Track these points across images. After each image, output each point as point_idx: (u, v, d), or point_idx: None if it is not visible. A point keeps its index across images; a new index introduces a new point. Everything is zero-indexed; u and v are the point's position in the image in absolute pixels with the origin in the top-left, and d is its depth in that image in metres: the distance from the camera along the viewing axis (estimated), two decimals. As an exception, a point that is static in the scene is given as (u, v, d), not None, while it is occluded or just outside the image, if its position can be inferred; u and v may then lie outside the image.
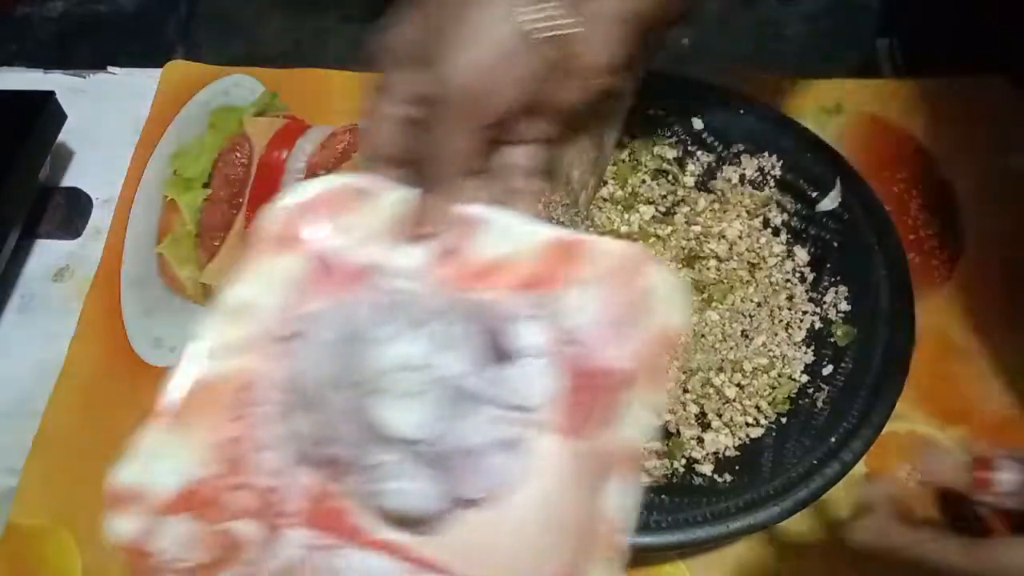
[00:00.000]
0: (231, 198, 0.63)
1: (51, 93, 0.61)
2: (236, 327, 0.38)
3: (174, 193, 0.63)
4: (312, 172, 0.64)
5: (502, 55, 0.36)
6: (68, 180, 0.65)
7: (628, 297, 0.38)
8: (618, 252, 0.38)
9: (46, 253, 0.61)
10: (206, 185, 0.63)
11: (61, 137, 0.63)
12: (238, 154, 0.65)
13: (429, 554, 0.35)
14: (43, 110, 0.60)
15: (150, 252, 0.60)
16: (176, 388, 0.37)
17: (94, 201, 0.64)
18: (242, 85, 0.69)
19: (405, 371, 0.35)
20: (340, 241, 0.40)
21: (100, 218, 0.62)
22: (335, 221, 0.40)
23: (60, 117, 0.62)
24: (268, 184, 0.63)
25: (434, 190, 0.38)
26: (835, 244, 0.55)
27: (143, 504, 0.34)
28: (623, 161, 0.60)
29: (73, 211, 0.63)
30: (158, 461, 0.35)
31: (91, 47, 0.73)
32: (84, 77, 0.70)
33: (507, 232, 0.39)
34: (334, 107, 0.67)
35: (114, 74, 0.71)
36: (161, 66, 0.70)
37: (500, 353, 0.37)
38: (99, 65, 0.71)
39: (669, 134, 0.61)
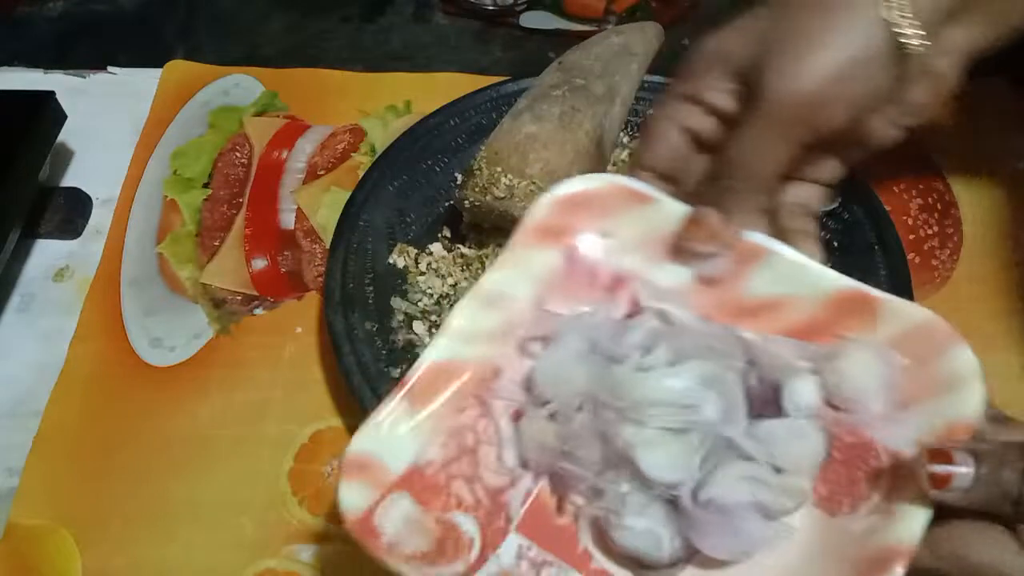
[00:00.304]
0: (231, 198, 0.63)
1: (51, 93, 0.61)
2: (488, 315, 0.37)
3: (174, 193, 0.63)
4: (312, 172, 0.64)
5: (857, 63, 0.32)
6: (68, 180, 0.65)
7: (923, 373, 0.34)
8: (920, 319, 0.34)
9: (46, 253, 0.61)
10: (206, 185, 0.64)
11: (61, 137, 0.63)
12: (238, 154, 0.65)
13: None
14: (43, 110, 0.60)
15: (150, 252, 0.60)
16: (422, 366, 0.36)
17: (94, 201, 0.63)
18: (242, 85, 0.69)
19: (667, 407, 0.33)
20: (603, 243, 0.38)
21: (100, 218, 0.62)
22: (602, 220, 0.38)
23: (60, 117, 0.62)
24: (268, 184, 0.63)
25: (728, 205, 0.35)
26: (835, 244, 0.55)
27: (374, 475, 0.33)
28: (623, 161, 0.60)
29: (73, 211, 0.63)
30: (392, 436, 0.35)
31: (91, 47, 0.73)
32: (84, 77, 0.70)
33: (791, 271, 0.36)
34: (334, 107, 0.67)
35: (114, 74, 0.71)
36: (161, 66, 0.70)
37: (767, 405, 0.35)
38: (99, 65, 0.71)
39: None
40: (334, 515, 0.49)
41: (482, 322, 0.37)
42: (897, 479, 0.32)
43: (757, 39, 0.33)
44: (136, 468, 0.51)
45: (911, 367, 0.34)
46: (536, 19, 0.74)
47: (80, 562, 0.48)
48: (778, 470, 0.33)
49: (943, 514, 0.30)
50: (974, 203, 0.61)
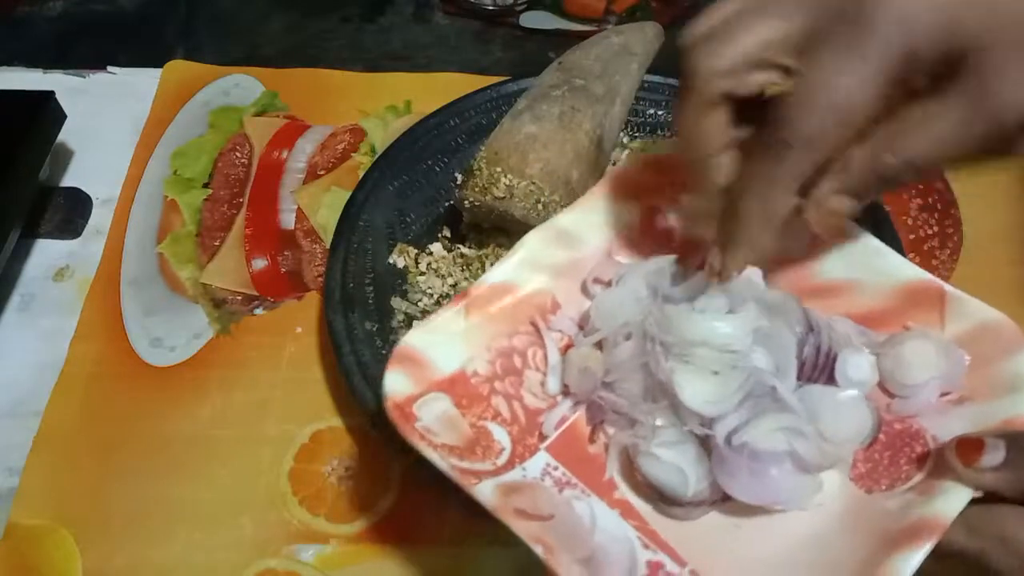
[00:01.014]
0: (231, 198, 0.63)
1: (51, 93, 0.61)
2: (557, 250, 0.38)
3: (174, 193, 0.63)
4: (312, 172, 0.64)
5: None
6: (68, 180, 0.65)
7: (985, 372, 0.34)
8: (988, 319, 0.35)
9: (46, 253, 0.61)
10: (206, 185, 0.64)
11: (61, 137, 0.63)
12: (238, 154, 0.65)
13: (665, 535, 0.34)
14: (43, 110, 0.60)
15: (150, 252, 0.60)
16: (485, 283, 0.37)
17: (94, 201, 0.63)
18: (242, 85, 0.69)
19: (715, 348, 0.34)
20: (678, 206, 0.39)
21: (100, 218, 0.62)
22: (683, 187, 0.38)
23: (60, 117, 0.62)
24: (268, 184, 0.63)
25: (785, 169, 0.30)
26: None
27: (420, 371, 0.35)
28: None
29: (73, 211, 0.63)
30: (446, 340, 0.36)
31: (91, 47, 0.73)
32: (84, 77, 0.70)
33: (866, 257, 0.37)
34: (334, 107, 0.67)
35: (114, 74, 0.71)
36: (161, 66, 0.70)
37: (819, 374, 0.36)
38: (99, 65, 0.71)
39: (669, 134, 0.61)
40: (334, 515, 0.49)
41: (551, 255, 0.38)
42: (939, 465, 0.33)
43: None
44: (136, 468, 0.51)
45: (974, 364, 0.35)
46: (536, 19, 0.74)
47: (80, 562, 0.48)
48: (822, 435, 0.34)
49: (984, 500, 0.31)
50: (974, 203, 0.61)
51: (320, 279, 0.58)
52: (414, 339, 0.36)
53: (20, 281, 0.59)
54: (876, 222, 0.54)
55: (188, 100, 0.68)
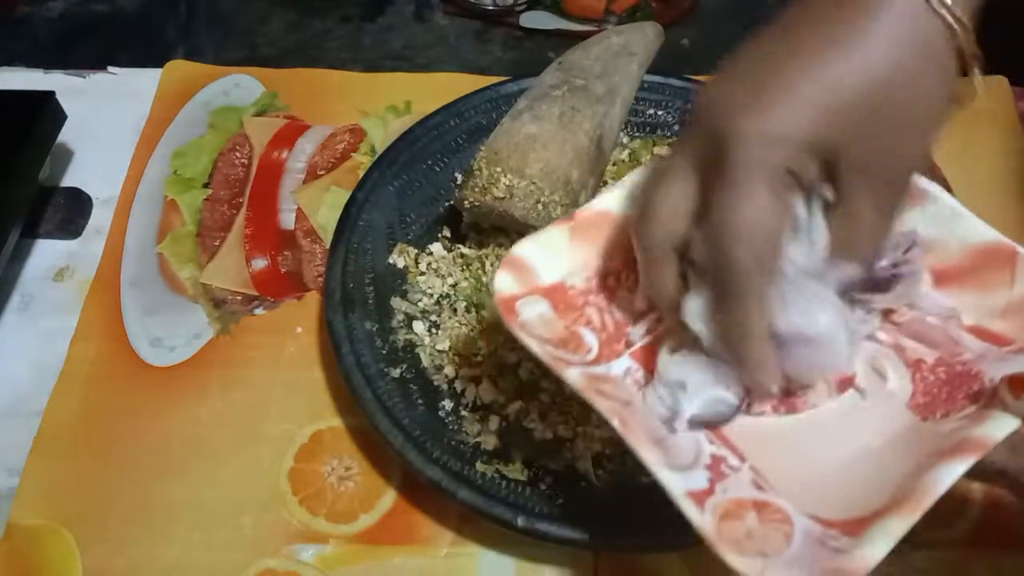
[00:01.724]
0: (231, 198, 0.63)
1: (51, 93, 0.61)
2: None
3: (174, 193, 0.63)
4: (312, 172, 0.64)
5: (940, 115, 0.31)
6: (68, 180, 0.65)
7: None
8: None
9: (46, 253, 0.61)
10: (206, 185, 0.64)
11: (61, 137, 0.63)
12: (238, 154, 0.65)
13: (727, 432, 0.38)
14: (43, 110, 0.60)
15: (150, 252, 0.60)
16: (593, 208, 0.41)
17: (94, 201, 0.63)
18: (242, 85, 0.69)
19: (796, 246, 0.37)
20: None
21: (100, 218, 0.62)
22: None
23: (60, 117, 0.62)
24: (268, 184, 0.63)
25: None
26: (835, 244, 0.55)
27: (525, 276, 0.40)
28: (623, 161, 0.60)
29: (73, 211, 0.63)
30: (550, 254, 0.41)
31: (91, 47, 0.73)
32: (84, 77, 0.70)
33: (944, 215, 0.41)
34: (334, 107, 0.67)
35: (114, 74, 0.71)
36: (161, 66, 0.70)
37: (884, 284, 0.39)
38: (99, 65, 0.71)
39: (669, 134, 0.61)
40: (334, 515, 0.49)
41: None
42: (991, 398, 0.36)
43: (841, 105, 0.29)
44: (136, 468, 0.51)
45: None
46: (536, 19, 0.74)
47: (80, 562, 0.48)
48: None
49: None
50: (974, 203, 0.61)
51: (320, 279, 0.58)
52: (523, 250, 0.40)
53: (20, 281, 0.59)
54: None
55: (188, 100, 0.68)
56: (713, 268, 0.32)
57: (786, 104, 0.28)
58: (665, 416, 0.38)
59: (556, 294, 0.40)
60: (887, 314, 0.40)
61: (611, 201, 0.41)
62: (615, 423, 0.34)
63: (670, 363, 0.39)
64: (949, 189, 0.62)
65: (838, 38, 0.27)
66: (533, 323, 0.39)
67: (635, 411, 0.37)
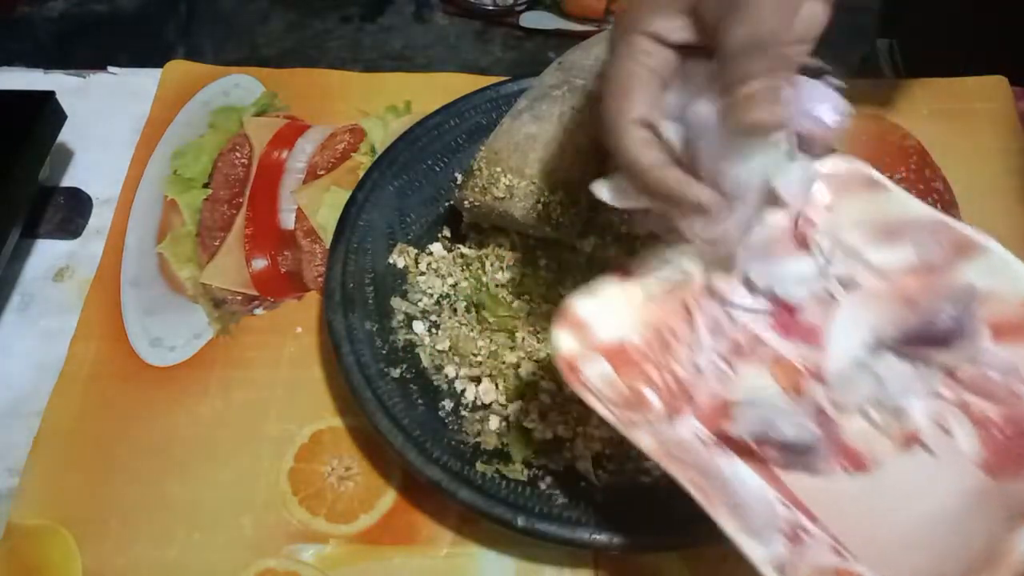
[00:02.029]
0: (231, 198, 0.63)
1: (51, 93, 0.61)
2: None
3: (174, 193, 0.63)
4: (312, 172, 0.64)
5: None
6: (68, 180, 0.65)
7: None
8: None
9: (46, 253, 0.61)
10: (206, 185, 0.64)
11: (61, 137, 0.63)
12: (238, 154, 0.65)
13: (798, 489, 0.37)
14: (43, 110, 0.60)
15: (150, 252, 0.60)
16: (644, 261, 0.41)
17: (94, 201, 0.63)
18: (242, 85, 0.69)
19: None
20: (827, 218, 0.43)
21: (100, 218, 0.62)
22: (836, 199, 0.42)
23: (60, 117, 0.62)
24: (268, 184, 0.63)
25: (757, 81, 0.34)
26: (835, 244, 0.55)
27: (584, 335, 0.39)
28: (623, 161, 0.60)
29: (73, 211, 0.63)
30: (608, 311, 0.40)
31: (91, 47, 0.73)
32: (84, 77, 0.70)
33: (1000, 266, 0.40)
34: (334, 107, 0.67)
35: (114, 74, 0.71)
36: (161, 66, 0.70)
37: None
38: (99, 65, 0.71)
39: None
40: (334, 515, 0.49)
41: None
42: None
43: None
44: (136, 468, 0.51)
45: None
46: (536, 19, 0.74)
47: (80, 562, 0.48)
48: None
49: None
50: (974, 203, 0.61)
51: (320, 279, 0.58)
52: (579, 307, 0.40)
53: (20, 281, 0.59)
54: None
55: (188, 100, 0.68)
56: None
57: None
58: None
59: (615, 352, 0.40)
60: (949, 370, 0.40)
61: (663, 254, 0.41)
62: (693, 491, 0.34)
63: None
64: (949, 190, 0.62)
65: None
66: (596, 384, 0.38)
67: (706, 475, 0.37)
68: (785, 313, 0.42)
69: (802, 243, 0.43)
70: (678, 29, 0.36)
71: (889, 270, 0.42)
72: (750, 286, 0.42)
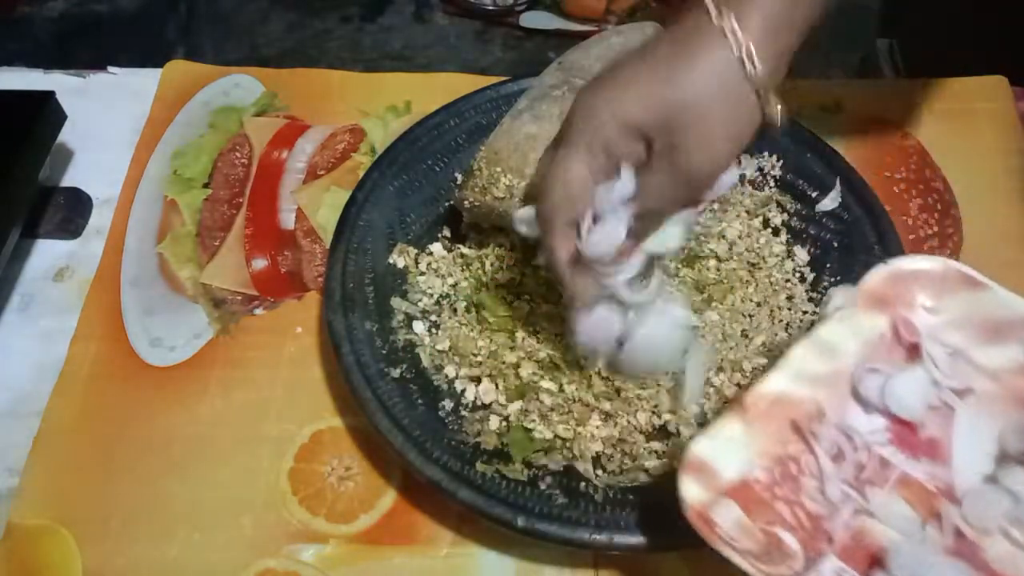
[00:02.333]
0: (231, 198, 0.63)
1: (51, 93, 0.61)
2: (821, 361, 0.42)
3: (174, 193, 0.63)
4: (312, 172, 0.64)
5: (743, 134, 0.39)
6: (68, 180, 0.65)
7: None
8: None
9: (46, 253, 0.61)
10: (206, 185, 0.64)
11: (61, 137, 0.63)
12: (238, 154, 0.65)
13: None
14: (43, 110, 0.60)
15: (150, 252, 0.60)
16: (758, 393, 0.40)
17: (94, 201, 0.63)
18: (242, 85, 0.69)
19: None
20: (929, 319, 0.43)
21: (100, 218, 0.62)
22: (933, 297, 0.43)
23: (60, 117, 0.62)
24: (268, 184, 0.63)
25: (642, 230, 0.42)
26: (835, 244, 0.55)
27: (709, 478, 0.39)
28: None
29: (73, 211, 0.63)
30: (728, 448, 0.39)
31: (91, 47, 0.73)
32: (84, 77, 0.70)
33: None
34: (334, 107, 0.67)
35: (114, 74, 0.71)
36: (161, 66, 0.70)
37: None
38: (99, 65, 0.71)
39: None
40: (334, 515, 0.49)
41: (815, 366, 0.42)
42: None
43: (658, 108, 0.39)
44: (136, 468, 0.51)
45: None
46: (536, 19, 0.74)
47: (80, 562, 0.48)
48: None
49: None
50: (974, 203, 0.61)
51: (320, 279, 0.58)
52: (701, 449, 0.39)
53: (20, 281, 0.59)
54: (877, 222, 0.54)
55: (188, 100, 0.68)
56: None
57: (631, 98, 0.39)
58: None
59: (742, 492, 0.39)
60: None
61: (778, 384, 0.41)
62: None
63: None
64: (949, 190, 0.62)
65: (672, 71, 0.39)
66: (732, 533, 0.38)
67: None
68: (904, 429, 0.42)
69: (910, 352, 0.43)
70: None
71: (999, 371, 0.42)
72: (863, 403, 0.42)
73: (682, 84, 0.38)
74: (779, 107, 0.39)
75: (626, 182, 0.40)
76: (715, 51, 0.38)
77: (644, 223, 0.41)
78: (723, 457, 0.39)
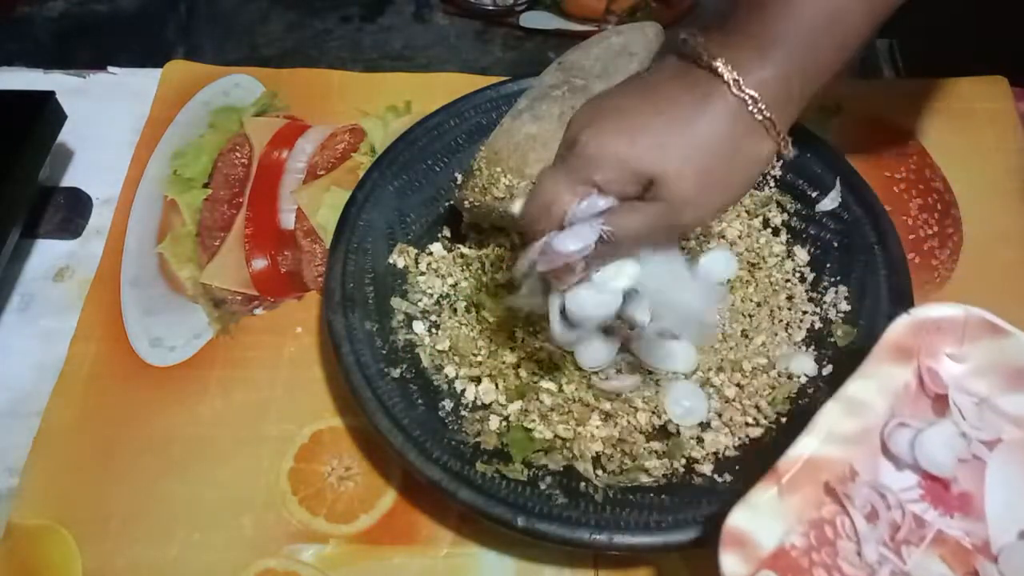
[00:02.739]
0: (231, 198, 0.63)
1: (51, 93, 0.61)
2: (850, 420, 0.42)
3: (174, 193, 0.63)
4: (312, 172, 0.64)
5: (742, 188, 0.41)
6: (68, 180, 0.65)
7: None
8: None
9: (46, 253, 0.61)
10: (206, 185, 0.64)
11: (61, 137, 0.63)
12: (238, 154, 0.65)
13: None
14: (43, 110, 0.60)
15: (150, 252, 0.60)
16: (790, 458, 0.40)
17: (94, 201, 0.64)
18: (242, 85, 0.69)
19: None
20: (954, 368, 0.43)
21: (100, 218, 0.62)
22: (956, 346, 0.43)
23: (60, 117, 0.62)
24: (268, 184, 0.63)
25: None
26: (835, 244, 0.55)
27: (748, 550, 0.39)
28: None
29: (73, 211, 0.63)
30: (764, 517, 0.39)
31: (91, 47, 0.73)
32: (84, 77, 0.70)
33: None
34: (334, 107, 0.68)
35: (114, 74, 0.71)
36: (161, 66, 0.70)
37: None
38: (99, 65, 0.71)
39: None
40: (334, 515, 0.49)
41: (844, 425, 0.41)
42: None
43: (668, 163, 0.39)
44: (136, 468, 0.51)
45: None
46: (536, 19, 0.74)
47: (80, 562, 0.48)
48: None
49: None
50: (974, 203, 0.61)
51: (320, 279, 0.58)
52: (739, 520, 0.39)
53: (20, 281, 0.59)
54: (877, 222, 0.54)
55: (188, 100, 0.68)
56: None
57: (643, 146, 0.39)
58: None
59: (781, 561, 0.39)
60: None
61: (809, 446, 0.41)
62: None
63: None
64: (949, 190, 0.62)
65: (682, 116, 0.39)
66: None
67: None
68: (936, 485, 0.42)
69: (936, 402, 0.43)
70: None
71: None
72: (894, 460, 0.42)
73: (701, 146, 0.38)
74: (789, 144, 0.40)
75: (603, 204, 0.40)
76: (732, 113, 0.38)
77: (607, 248, 0.41)
78: (760, 527, 0.39)
